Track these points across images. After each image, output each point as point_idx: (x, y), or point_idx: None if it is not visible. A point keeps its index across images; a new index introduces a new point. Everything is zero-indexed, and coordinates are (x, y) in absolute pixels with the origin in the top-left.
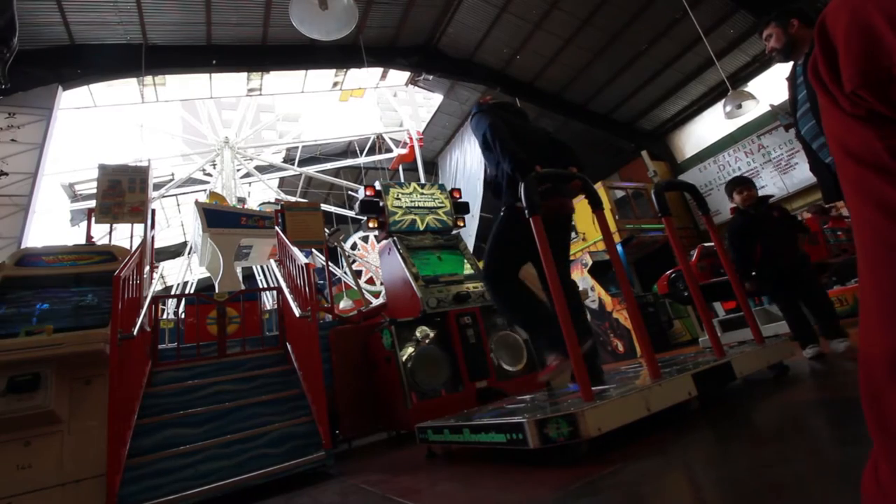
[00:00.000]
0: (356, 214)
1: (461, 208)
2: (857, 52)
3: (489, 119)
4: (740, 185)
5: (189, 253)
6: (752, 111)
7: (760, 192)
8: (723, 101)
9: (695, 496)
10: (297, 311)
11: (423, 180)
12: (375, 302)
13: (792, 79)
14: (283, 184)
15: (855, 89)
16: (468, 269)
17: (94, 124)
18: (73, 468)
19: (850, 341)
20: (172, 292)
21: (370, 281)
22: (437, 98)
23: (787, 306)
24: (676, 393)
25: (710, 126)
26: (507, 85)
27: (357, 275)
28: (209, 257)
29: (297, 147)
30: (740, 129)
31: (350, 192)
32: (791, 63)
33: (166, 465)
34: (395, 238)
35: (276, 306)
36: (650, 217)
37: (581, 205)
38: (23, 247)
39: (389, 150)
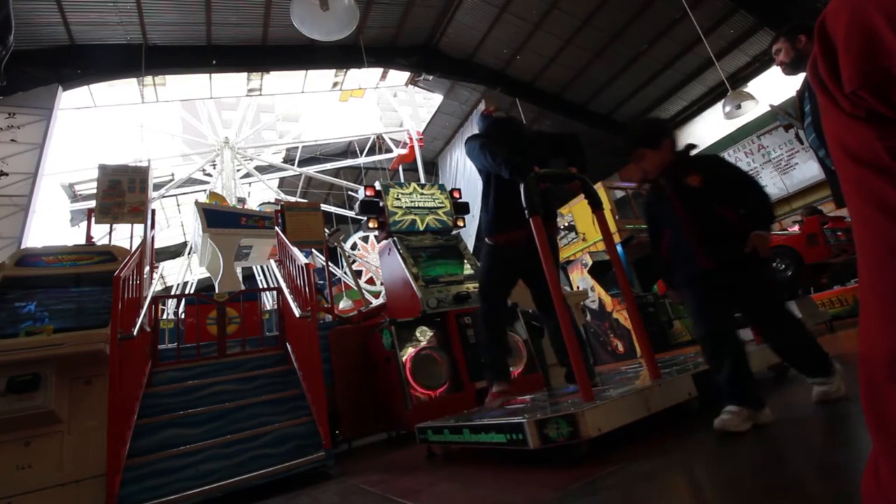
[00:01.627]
0: (356, 214)
1: (461, 208)
2: (856, 53)
3: (479, 140)
4: (635, 144)
5: (189, 253)
6: (751, 111)
7: None
8: (722, 101)
9: (695, 496)
10: (297, 312)
11: (423, 180)
12: (375, 302)
13: (801, 92)
14: (283, 184)
15: (855, 90)
16: (468, 270)
17: (94, 124)
18: (73, 468)
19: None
20: (172, 292)
21: (370, 281)
22: (437, 98)
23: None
24: (676, 393)
25: (709, 126)
26: (507, 85)
27: (357, 275)
28: (209, 257)
29: (297, 147)
30: (740, 130)
31: (350, 193)
32: (803, 75)
33: (166, 466)
34: (395, 238)
35: (276, 306)
36: None
37: (581, 205)
38: (23, 247)
39: (389, 150)
